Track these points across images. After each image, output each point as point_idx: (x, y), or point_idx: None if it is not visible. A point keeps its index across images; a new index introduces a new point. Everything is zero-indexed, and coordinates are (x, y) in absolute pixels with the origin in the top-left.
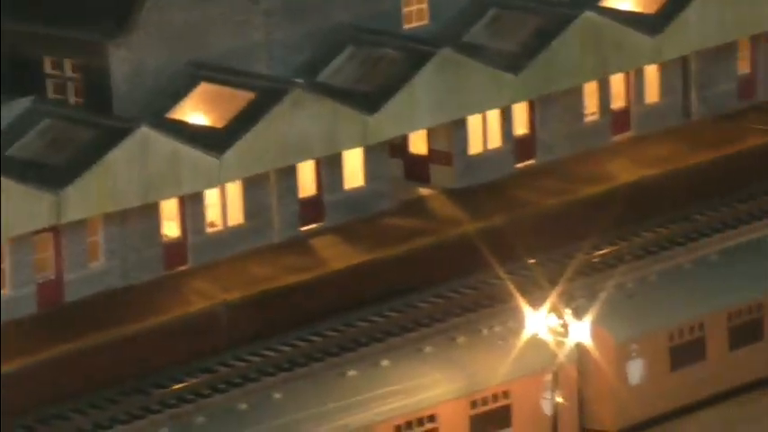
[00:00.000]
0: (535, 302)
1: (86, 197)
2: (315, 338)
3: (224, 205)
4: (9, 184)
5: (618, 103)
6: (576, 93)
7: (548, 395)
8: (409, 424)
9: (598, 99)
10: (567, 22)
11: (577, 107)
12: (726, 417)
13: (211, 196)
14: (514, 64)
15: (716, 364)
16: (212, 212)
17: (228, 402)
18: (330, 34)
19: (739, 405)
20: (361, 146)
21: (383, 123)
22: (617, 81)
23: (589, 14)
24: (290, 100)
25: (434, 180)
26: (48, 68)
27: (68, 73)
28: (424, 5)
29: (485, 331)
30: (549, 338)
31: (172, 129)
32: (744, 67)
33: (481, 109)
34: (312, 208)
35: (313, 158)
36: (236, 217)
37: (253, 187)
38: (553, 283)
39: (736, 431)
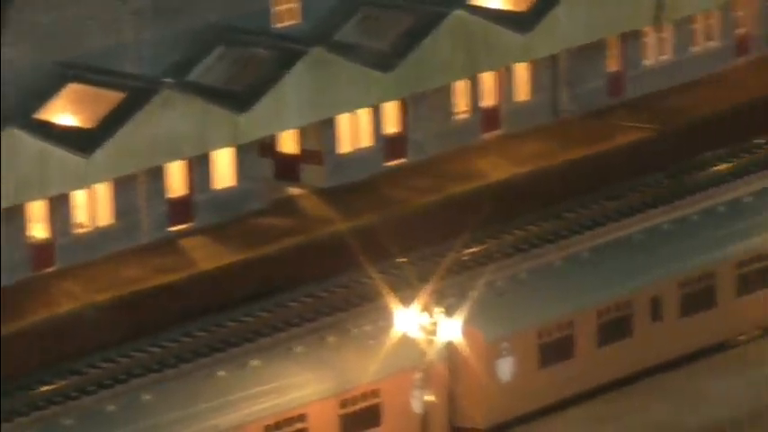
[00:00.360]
0: (406, 301)
1: None
2: (184, 339)
3: (92, 206)
4: None
5: (488, 100)
6: (447, 91)
7: (418, 393)
8: (279, 424)
9: (468, 97)
10: (437, 20)
11: (448, 105)
12: (593, 414)
13: (80, 197)
14: (385, 62)
15: (584, 361)
16: (81, 213)
17: (97, 404)
18: (200, 34)
19: (606, 402)
20: (231, 146)
21: (254, 123)
22: (487, 79)
23: (459, 13)
24: (160, 100)
25: (305, 179)
26: None
27: None
28: (295, 4)
29: (355, 330)
30: (419, 337)
31: (40, 129)
32: (613, 65)
33: (351, 108)
34: (181, 208)
35: (183, 158)
36: (104, 218)
37: (122, 188)
38: (424, 281)
39: (603, 429)
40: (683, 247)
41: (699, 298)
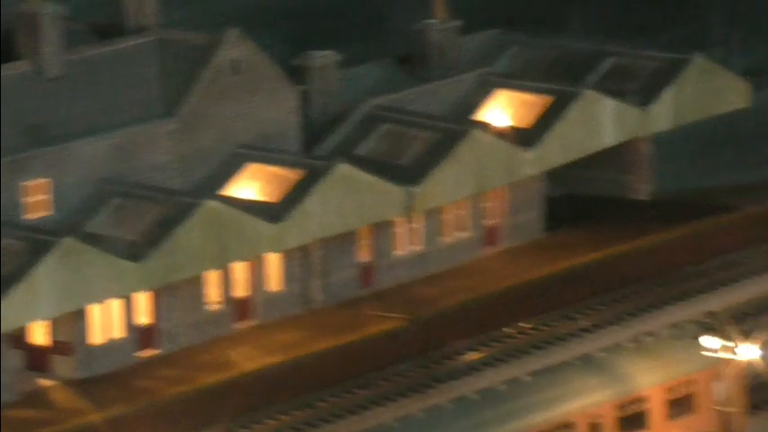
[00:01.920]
0: None
1: None
2: None
3: None
4: None
5: (240, 291)
6: (198, 282)
7: None
8: None
9: (220, 287)
10: (189, 210)
11: (200, 296)
12: None
13: None
14: (137, 253)
15: None
16: None
17: None
18: None
19: None
20: None
21: (5, 314)
22: (239, 269)
23: (211, 203)
24: None
25: (56, 370)
26: None
27: None
28: (45, 196)
29: None
30: None
31: None
32: (364, 256)
33: (103, 298)
34: None
35: None
36: None
37: None
38: None
39: None
40: None
41: None
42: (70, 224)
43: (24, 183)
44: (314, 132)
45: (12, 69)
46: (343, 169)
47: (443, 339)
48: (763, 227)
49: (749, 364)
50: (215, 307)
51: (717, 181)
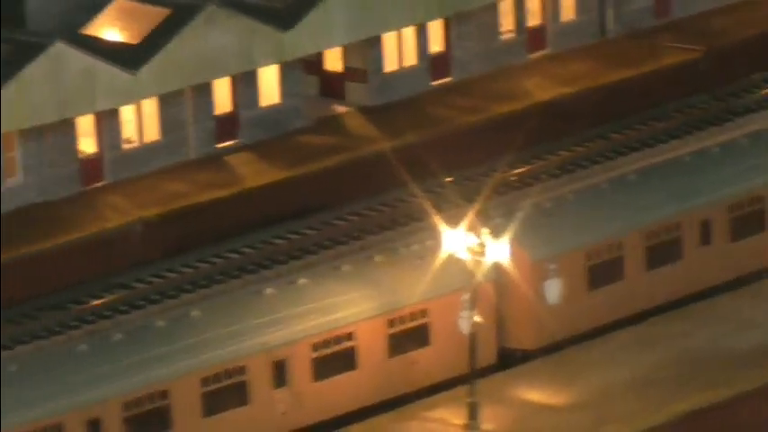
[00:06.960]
0: (451, 221)
1: (2, 113)
2: (232, 255)
3: (140, 121)
4: None
5: (533, 20)
6: (492, 10)
7: (466, 314)
8: (326, 342)
9: (514, 16)
10: None
11: (493, 25)
12: (643, 337)
13: (127, 112)
14: None
15: (634, 283)
16: (128, 129)
17: (145, 319)
18: None
19: (653, 325)
20: (276, 63)
21: (298, 40)
22: None
23: None
24: (204, 16)
25: (350, 97)
26: None
27: None
28: None
29: (402, 250)
30: (466, 257)
31: (87, 44)
32: None
33: (397, 26)
34: (228, 125)
35: (228, 75)
36: (152, 133)
37: (168, 104)
38: (469, 201)
39: (652, 350)
40: (731, 171)
41: (747, 222)
42: None
43: None
44: None
45: None
46: None
47: (740, 71)
48: None
49: None
50: (508, 36)
51: None
